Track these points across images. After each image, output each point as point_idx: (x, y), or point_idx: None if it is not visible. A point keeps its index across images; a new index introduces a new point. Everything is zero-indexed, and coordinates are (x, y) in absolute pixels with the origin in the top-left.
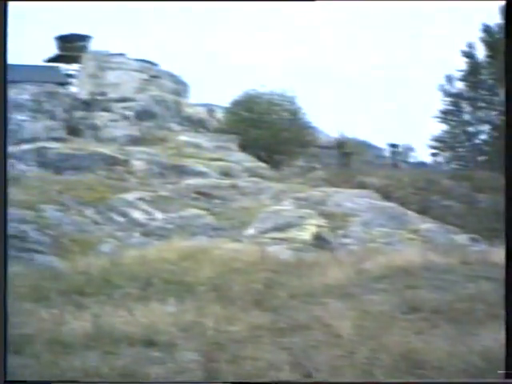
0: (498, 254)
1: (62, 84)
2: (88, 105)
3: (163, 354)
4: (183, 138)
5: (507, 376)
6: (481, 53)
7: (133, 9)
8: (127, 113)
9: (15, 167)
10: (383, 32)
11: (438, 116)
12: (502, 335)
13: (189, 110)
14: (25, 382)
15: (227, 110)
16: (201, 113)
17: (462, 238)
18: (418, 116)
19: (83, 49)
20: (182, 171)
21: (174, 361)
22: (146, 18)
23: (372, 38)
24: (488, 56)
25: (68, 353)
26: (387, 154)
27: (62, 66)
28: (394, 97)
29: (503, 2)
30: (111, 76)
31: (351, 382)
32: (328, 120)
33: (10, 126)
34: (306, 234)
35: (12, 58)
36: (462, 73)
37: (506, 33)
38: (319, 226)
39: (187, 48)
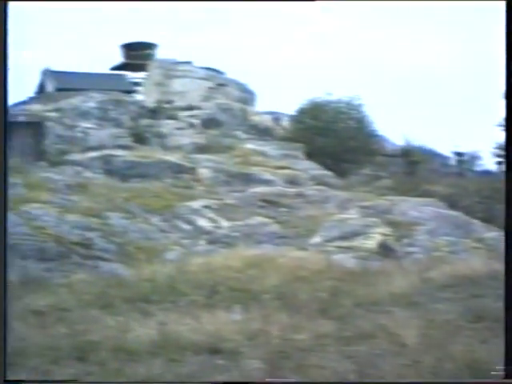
0: None
1: (128, 92)
2: (154, 113)
3: (228, 361)
4: (249, 146)
5: (507, 376)
6: None
7: (199, 16)
8: (193, 121)
9: (81, 174)
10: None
11: (502, 124)
12: None
13: (255, 118)
14: (25, 381)
15: (293, 118)
16: (267, 121)
17: None
18: (485, 123)
19: (149, 57)
20: (249, 179)
21: (238, 369)
22: (213, 25)
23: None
24: None
25: (133, 360)
26: (453, 162)
27: (128, 74)
28: (459, 103)
29: (503, 3)
30: (177, 84)
31: (352, 382)
32: (394, 127)
33: (77, 134)
34: (372, 242)
35: (78, 66)
36: None
37: (507, 33)
38: (385, 235)
39: (254, 56)
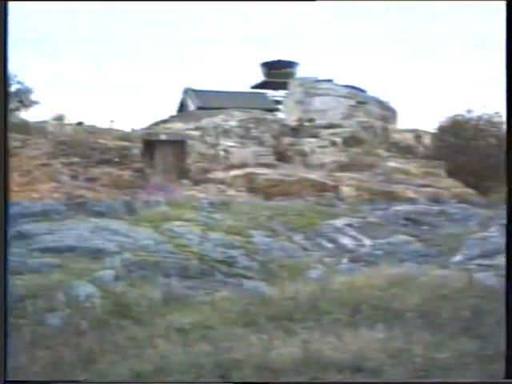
0: None
1: (270, 110)
2: (296, 131)
3: (370, 380)
4: (391, 163)
5: (507, 376)
6: None
7: (338, 34)
8: (335, 139)
9: (224, 192)
10: None
11: None
12: None
13: (396, 136)
14: (25, 382)
15: (434, 136)
16: (408, 139)
17: None
18: None
19: (290, 75)
20: (391, 197)
21: None
22: (351, 43)
23: None
24: None
25: (276, 378)
26: None
27: (269, 93)
28: None
29: (503, 2)
30: (318, 102)
31: (351, 382)
32: None
33: (219, 152)
34: None
35: (220, 85)
36: None
37: (507, 32)
38: None
39: (395, 73)
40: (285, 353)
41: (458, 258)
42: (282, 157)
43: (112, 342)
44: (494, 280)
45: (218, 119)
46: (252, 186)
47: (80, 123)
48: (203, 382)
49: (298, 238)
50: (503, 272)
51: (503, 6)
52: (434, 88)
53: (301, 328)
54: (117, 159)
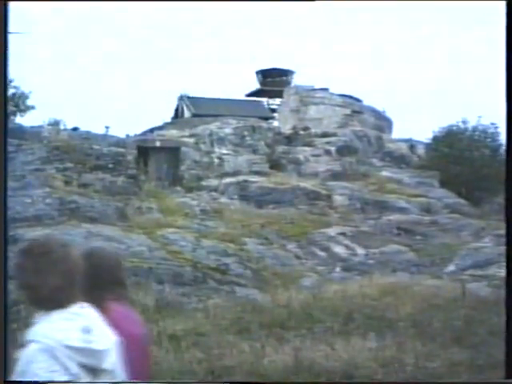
0: None
1: (265, 118)
2: (290, 139)
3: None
4: (385, 173)
5: (507, 376)
6: None
7: (336, 45)
8: (329, 148)
9: (217, 200)
10: None
11: None
12: None
13: (390, 146)
14: (25, 382)
15: (428, 146)
16: (402, 148)
17: None
18: None
19: (285, 83)
20: (384, 207)
21: None
22: (350, 53)
23: None
24: None
25: None
26: None
27: (264, 101)
28: None
29: (503, 2)
30: (313, 111)
31: (351, 382)
32: None
33: (213, 160)
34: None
35: (215, 93)
36: None
37: (507, 32)
38: None
39: (391, 83)
40: (276, 360)
41: (450, 268)
42: (275, 165)
43: None
44: (486, 290)
45: (213, 127)
46: (245, 193)
47: (75, 129)
48: (202, 382)
49: (291, 246)
50: (496, 282)
51: (503, 6)
52: (430, 96)
53: (293, 336)
54: (111, 165)
